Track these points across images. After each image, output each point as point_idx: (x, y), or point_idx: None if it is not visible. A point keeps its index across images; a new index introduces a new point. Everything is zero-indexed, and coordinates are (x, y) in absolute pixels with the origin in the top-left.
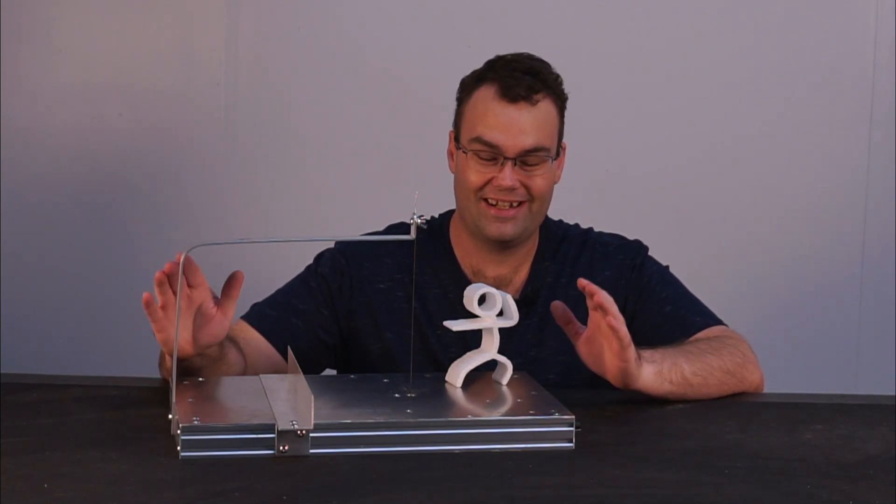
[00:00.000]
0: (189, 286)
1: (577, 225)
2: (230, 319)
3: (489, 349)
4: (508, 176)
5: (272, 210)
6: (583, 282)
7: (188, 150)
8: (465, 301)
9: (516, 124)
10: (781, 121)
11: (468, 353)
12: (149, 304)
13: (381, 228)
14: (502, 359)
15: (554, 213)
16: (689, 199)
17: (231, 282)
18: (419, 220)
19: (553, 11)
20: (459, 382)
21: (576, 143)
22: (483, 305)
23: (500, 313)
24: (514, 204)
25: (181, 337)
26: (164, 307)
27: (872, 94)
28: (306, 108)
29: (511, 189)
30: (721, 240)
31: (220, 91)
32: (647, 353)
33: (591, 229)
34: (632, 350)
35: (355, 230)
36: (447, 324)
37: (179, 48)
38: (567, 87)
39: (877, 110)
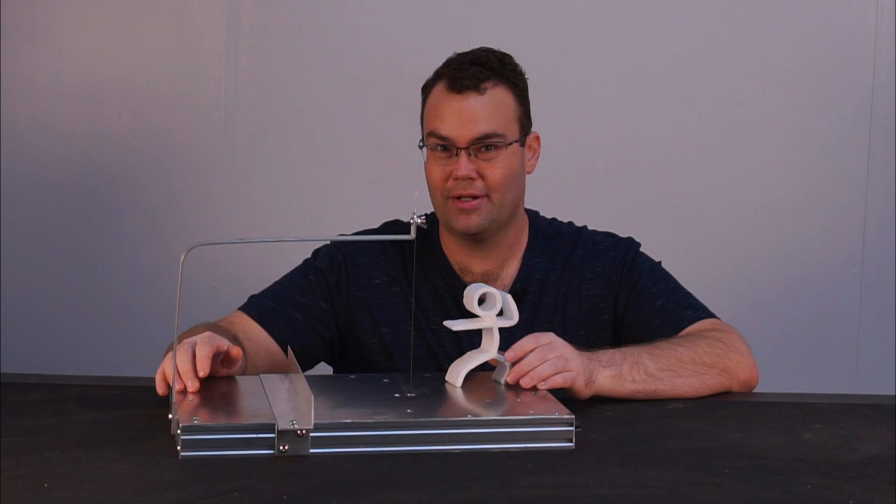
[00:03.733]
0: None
1: (570, 223)
2: (239, 371)
3: (489, 349)
4: (463, 165)
5: (272, 210)
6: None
7: (188, 150)
8: (465, 301)
9: (465, 114)
10: (782, 120)
11: (468, 353)
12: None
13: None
14: (502, 358)
15: (547, 210)
16: (688, 199)
17: (229, 358)
18: (419, 220)
19: (552, 11)
20: (459, 382)
21: (573, 140)
22: (483, 305)
23: (501, 313)
24: (475, 196)
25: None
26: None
27: (872, 94)
28: (306, 107)
29: (468, 179)
30: (721, 240)
31: (220, 91)
32: (605, 357)
33: (584, 227)
34: (577, 383)
35: (355, 230)
36: (447, 324)
37: (179, 48)
38: (564, 85)
39: (877, 110)
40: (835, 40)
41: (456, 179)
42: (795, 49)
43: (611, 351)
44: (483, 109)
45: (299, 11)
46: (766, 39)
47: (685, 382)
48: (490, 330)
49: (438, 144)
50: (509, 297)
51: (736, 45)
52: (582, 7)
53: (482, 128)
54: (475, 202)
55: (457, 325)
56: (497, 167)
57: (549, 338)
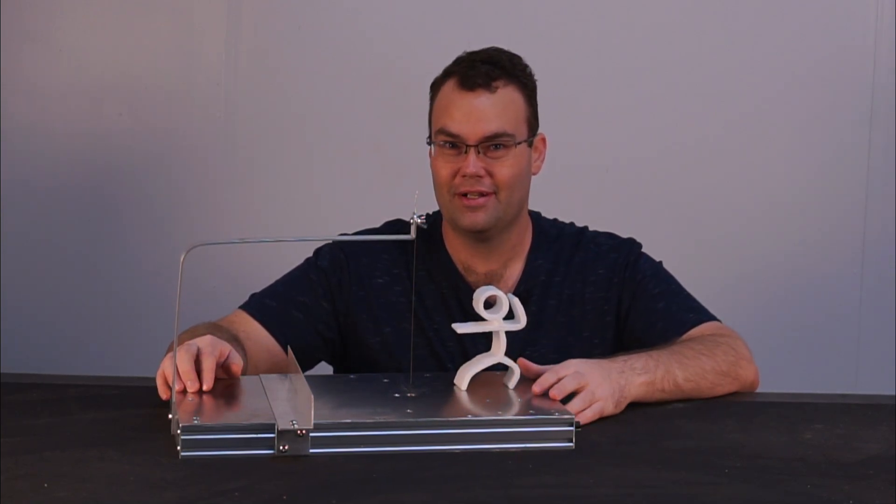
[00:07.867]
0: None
1: (571, 224)
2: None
3: (497, 352)
4: (472, 163)
5: (272, 210)
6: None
7: (188, 150)
8: (474, 303)
9: (476, 112)
10: (782, 122)
11: (476, 357)
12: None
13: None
14: (510, 363)
15: (548, 210)
16: (689, 199)
17: (229, 369)
18: (419, 220)
19: (554, 11)
20: (465, 385)
21: (574, 140)
22: (490, 308)
23: (508, 316)
24: (483, 194)
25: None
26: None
27: (872, 94)
28: (306, 107)
29: (475, 176)
30: (721, 241)
31: (220, 91)
32: (639, 364)
33: (585, 228)
34: (606, 410)
35: (355, 230)
36: (455, 326)
37: (179, 48)
38: (564, 86)
39: (877, 110)
40: (835, 43)
41: (464, 176)
42: (796, 51)
43: (645, 356)
44: (493, 108)
45: (299, 11)
46: (767, 42)
47: (700, 395)
48: (497, 333)
49: (447, 141)
50: (517, 300)
51: (736, 48)
52: (584, 9)
53: (492, 126)
54: (482, 199)
55: (463, 328)
56: (505, 165)
57: (571, 368)
